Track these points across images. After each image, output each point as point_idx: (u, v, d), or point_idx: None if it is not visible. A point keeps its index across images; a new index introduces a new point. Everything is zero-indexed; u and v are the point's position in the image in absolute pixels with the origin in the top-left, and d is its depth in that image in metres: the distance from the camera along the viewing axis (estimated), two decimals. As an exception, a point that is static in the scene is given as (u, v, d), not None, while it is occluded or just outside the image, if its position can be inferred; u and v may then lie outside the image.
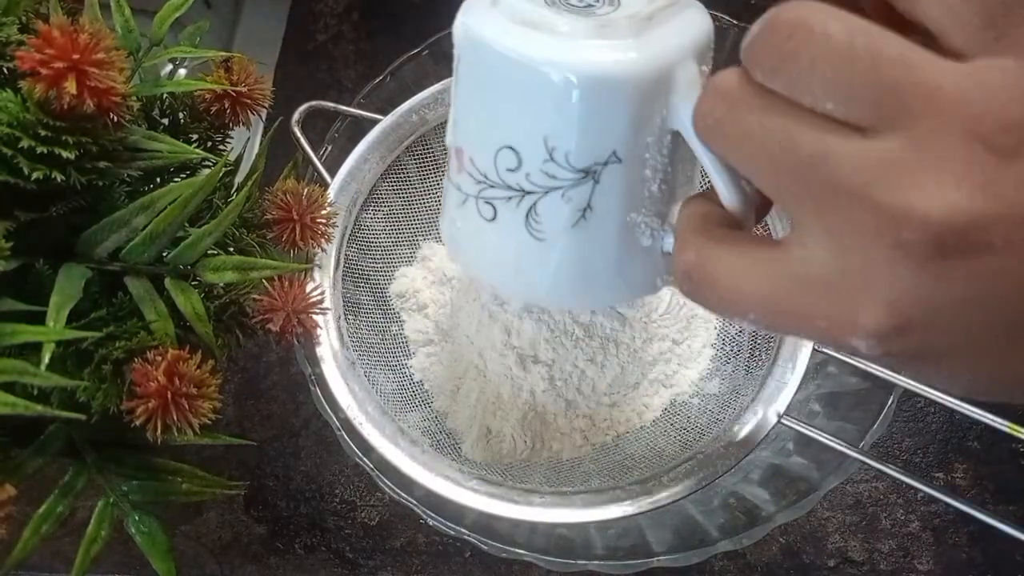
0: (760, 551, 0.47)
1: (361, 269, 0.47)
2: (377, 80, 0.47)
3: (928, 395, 0.38)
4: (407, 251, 0.50)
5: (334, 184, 0.45)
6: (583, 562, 0.37)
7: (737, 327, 0.47)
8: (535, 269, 0.27)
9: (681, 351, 0.46)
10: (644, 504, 0.38)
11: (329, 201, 0.38)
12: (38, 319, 0.28)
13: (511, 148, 0.25)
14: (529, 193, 0.25)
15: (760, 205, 0.23)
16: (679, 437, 0.44)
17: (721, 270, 0.20)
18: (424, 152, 0.49)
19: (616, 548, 0.39)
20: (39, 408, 0.26)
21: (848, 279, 0.18)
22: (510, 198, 0.26)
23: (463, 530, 0.38)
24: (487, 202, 0.26)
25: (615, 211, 0.25)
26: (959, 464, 0.49)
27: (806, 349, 0.41)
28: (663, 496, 0.38)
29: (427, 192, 0.50)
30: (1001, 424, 0.37)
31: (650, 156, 0.25)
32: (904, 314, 0.17)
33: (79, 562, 0.31)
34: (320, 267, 0.43)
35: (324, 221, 0.37)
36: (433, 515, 0.38)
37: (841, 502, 0.48)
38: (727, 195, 0.23)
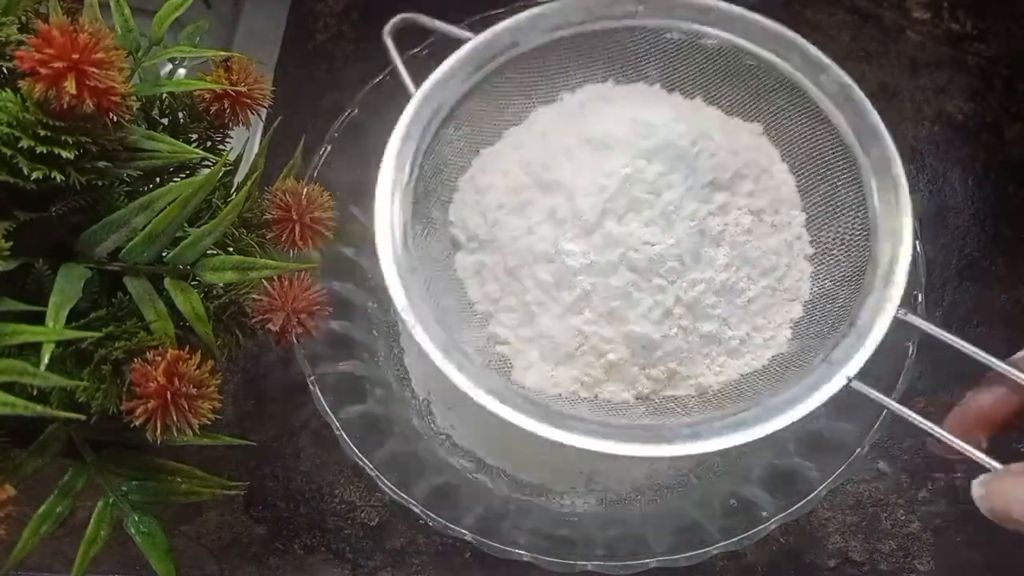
0: (760, 551, 0.47)
1: (434, 186, 0.45)
2: (377, 80, 0.47)
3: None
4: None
5: (416, 95, 0.43)
6: (583, 562, 0.37)
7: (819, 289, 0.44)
8: None
9: (756, 308, 0.42)
10: (689, 448, 0.36)
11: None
12: (38, 319, 0.28)
13: None
14: None
15: None
16: (736, 388, 0.41)
17: None
18: (512, 75, 0.46)
19: (616, 548, 0.39)
20: (39, 408, 0.26)
21: None
22: None
23: (463, 530, 0.38)
24: None
25: None
26: (959, 464, 0.49)
27: (885, 315, 0.38)
28: (712, 443, 0.36)
29: (508, 119, 0.47)
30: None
31: None
32: None
33: (78, 562, 0.31)
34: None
35: (323, 221, 0.37)
36: (433, 515, 0.38)
37: (841, 502, 0.48)
38: None
